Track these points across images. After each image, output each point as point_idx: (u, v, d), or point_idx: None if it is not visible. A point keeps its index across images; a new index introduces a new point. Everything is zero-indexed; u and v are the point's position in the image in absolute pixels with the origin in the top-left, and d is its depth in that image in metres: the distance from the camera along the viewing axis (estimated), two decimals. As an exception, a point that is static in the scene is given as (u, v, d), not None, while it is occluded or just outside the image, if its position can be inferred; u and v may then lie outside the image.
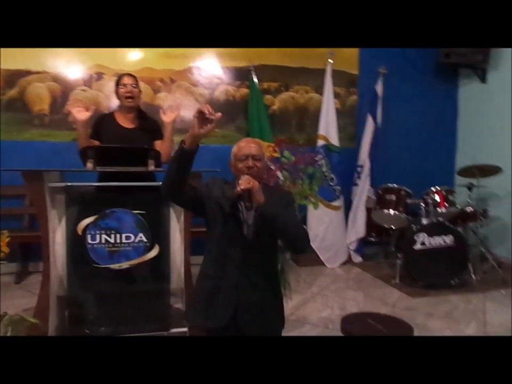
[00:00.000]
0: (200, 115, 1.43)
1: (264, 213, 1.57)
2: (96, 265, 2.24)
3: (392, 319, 2.06)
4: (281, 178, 2.49)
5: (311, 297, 3.19)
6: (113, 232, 2.25)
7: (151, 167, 2.38)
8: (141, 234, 2.29)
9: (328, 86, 4.01)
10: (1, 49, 3.50)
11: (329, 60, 4.03)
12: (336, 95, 4.28)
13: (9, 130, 3.65)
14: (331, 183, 3.98)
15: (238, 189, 1.53)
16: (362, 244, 4.19)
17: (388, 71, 4.25)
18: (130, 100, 2.60)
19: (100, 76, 3.76)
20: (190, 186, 1.62)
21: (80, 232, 2.22)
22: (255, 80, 3.95)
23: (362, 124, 4.25)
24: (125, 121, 2.64)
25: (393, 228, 3.83)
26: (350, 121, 4.37)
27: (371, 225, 4.05)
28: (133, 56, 3.84)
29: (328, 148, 3.99)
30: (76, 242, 2.22)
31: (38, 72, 3.66)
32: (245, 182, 1.53)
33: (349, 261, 4.12)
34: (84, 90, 3.73)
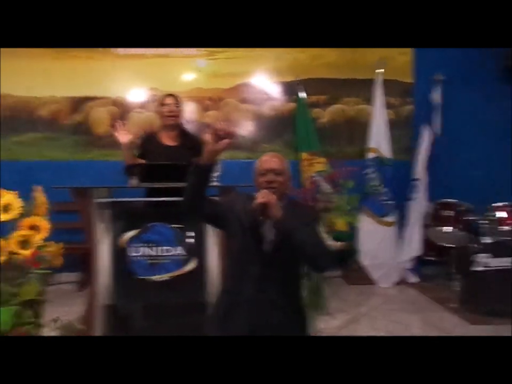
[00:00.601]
0: (214, 132, 1.46)
1: (280, 228, 1.54)
2: (137, 276, 2.34)
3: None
4: (326, 191, 2.43)
5: (357, 318, 3.04)
6: (153, 245, 2.35)
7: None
8: (179, 248, 2.36)
9: (378, 96, 3.88)
10: (65, 78, 3.87)
11: (379, 70, 3.91)
12: (390, 106, 4.13)
13: (76, 151, 3.99)
14: (383, 198, 3.81)
15: (255, 203, 1.53)
16: (420, 263, 3.93)
17: (446, 77, 4.01)
18: (172, 118, 2.72)
19: (154, 98, 3.99)
20: (210, 201, 1.65)
21: (123, 245, 2.35)
22: (302, 94, 3.95)
23: (418, 135, 4.04)
24: (168, 139, 2.77)
25: (451, 246, 3.55)
26: (405, 132, 4.18)
27: (429, 243, 3.79)
28: (184, 78, 4.03)
29: (379, 160, 3.84)
30: (119, 255, 2.35)
31: (100, 98, 3.98)
32: (260, 196, 1.52)
33: (404, 281, 3.88)
34: (139, 112, 3.99)
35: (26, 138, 3.95)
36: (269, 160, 1.67)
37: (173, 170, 2.49)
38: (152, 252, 2.34)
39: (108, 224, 2.36)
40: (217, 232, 2.42)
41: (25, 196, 2.21)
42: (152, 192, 2.58)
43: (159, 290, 2.35)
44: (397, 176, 3.94)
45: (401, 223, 3.93)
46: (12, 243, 1.91)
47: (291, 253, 1.57)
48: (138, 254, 2.34)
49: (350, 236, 3.91)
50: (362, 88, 4.11)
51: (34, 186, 2.05)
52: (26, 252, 1.92)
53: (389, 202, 3.83)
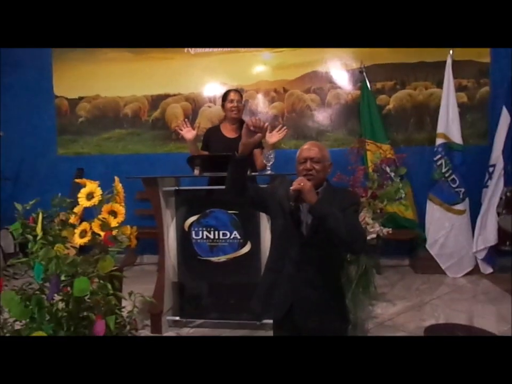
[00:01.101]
0: (247, 127, 1.61)
1: (314, 213, 1.64)
2: (199, 257, 2.60)
3: (484, 333, 1.86)
4: (369, 181, 2.45)
5: (418, 306, 3.00)
6: (212, 229, 2.58)
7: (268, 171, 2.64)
8: (235, 232, 2.56)
9: (448, 79, 3.68)
10: (144, 78, 4.28)
11: (450, 51, 3.70)
12: (463, 88, 3.91)
13: (154, 145, 4.42)
14: (452, 185, 3.64)
15: (291, 189, 1.65)
16: (495, 253, 3.69)
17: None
18: (235, 113, 2.93)
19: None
20: (253, 187, 1.80)
21: (186, 229, 2.62)
22: (367, 81, 3.90)
23: (497, 118, 3.75)
24: (229, 132, 3.00)
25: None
26: (481, 116, 3.92)
27: (505, 232, 3.55)
28: (250, 72, 4.22)
29: (449, 146, 3.67)
30: (183, 237, 2.62)
31: (174, 95, 4.34)
32: (296, 183, 1.64)
33: (477, 271, 3.69)
34: (209, 106, 4.27)
35: (113, 135, 4.47)
36: (308, 149, 1.78)
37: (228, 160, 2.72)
38: (211, 235, 2.58)
39: (174, 210, 2.65)
40: (269, 217, 2.58)
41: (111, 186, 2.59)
42: (213, 181, 2.83)
43: (218, 271, 2.59)
44: (472, 162, 3.74)
45: (475, 212, 3.73)
46: (94, 226, 2.27)
47: (326, 236, 1.67)
48: (199, 237, 2.59)
49: (416, 224, 3.84)
50: (431, 71, 3.93)
51: (115, 177, 2.40)
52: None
53: (459, 189, 3.65)
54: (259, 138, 1.64)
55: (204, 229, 2.59)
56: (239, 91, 3.06)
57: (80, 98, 4.50)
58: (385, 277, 3.73)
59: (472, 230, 3.69)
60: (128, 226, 2.44)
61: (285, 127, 2.87)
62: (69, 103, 4.52)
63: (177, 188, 2.64)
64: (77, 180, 2.30)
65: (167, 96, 4.35)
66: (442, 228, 3.67)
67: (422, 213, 3.81)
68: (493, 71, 3.85)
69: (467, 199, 3.68)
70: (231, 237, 2.57)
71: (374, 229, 2.23)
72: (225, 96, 3.02)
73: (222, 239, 2.58)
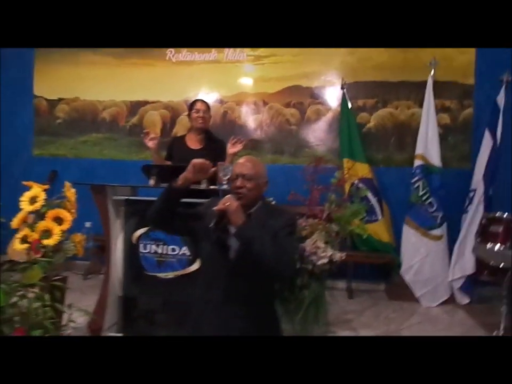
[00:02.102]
0: (194, 167, 1.57)
1: (238, 236, 1.52)
2: (146, 272, 2.47)
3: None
4: (327, 203, 2.31)
5: (383, 335, 2.83)
6: (161, 243, 2.46)
7: (203, 185, 2.52)
8: (184, 248, 2.43)
9: (428, 99, 3.56)
10: (125, 83, 4.21)
11: (431, 71, 3.59)
12: (446, 109, 3.79)
13: (130, 151, 4.32)
14: (429, 209, 3.50)
15: (214, 209, 1.53)
16: (472, 282, 3.52)
17: (512, 78, 3.54)
18: (200, 123, 2.84)
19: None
20: (178, 216, 1.68)
21: (134, 241, 2.49)
22: (347, 98, 3.79)
23: (480, 141, 3.62)
24: (193, 143, 2.90)
25: (499, 266, 3.11)
26: (464, 138, 3.79)
27: (483, 261, 3.38)
28: (231, 83, 4.12)
29: (427, 168, 3.53)
30: (131, 250, 2.50)
31: (153, 102, 4.26)
32: (221, 203, 1.52)
33: (453, 301, 3.51)
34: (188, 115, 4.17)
35: (90, 138, 4.38)
36: (241, 164, 1.66)
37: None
38: (159, 249, 2.46)
39: (123, 220, 2.53)
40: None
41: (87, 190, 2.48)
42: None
43: (165, 288, 2.45)
44: (453, 186, 3.60)
45: (454, 238, 3.57)
46: (35, 232, 2.15)
47: (253, 262, 1.53)
48: (147, 251, 2.47)
49: (392, 247, 3.69)
50: (414, 90, 3.82)
51: (65, 182, 2.29)
52: (49, 241, 2.14)
53: (437, 213, 3.50)
54: (201, 177, 1.64)
55: (153, 242, 2.47)
56: (205, 102, 2.98)
57: (60, 100, 4.43)
58: (358, 302, 3.58)
59: (449, 257, 3.52)
60: (78, 234, 2.33)
61: (242, 139, 2.77)
62: (48, 104, 4.46)
63: (127, 198, 2.53)
64: (24, 182, 2.20)
65: (146, 102, 4.27)
66: (418, 253, 3.51)
67: (400, 237, 3.66)
68: (477, 93, 3.73)
69: (445, 225, 3.52)
70: (180, 253, 2.44)
71: (326, 254, 2.09)
72: (191, 106, 2.95)
73: (170, 254, 2.45)
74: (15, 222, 2.10)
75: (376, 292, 3.83)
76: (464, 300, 3.50)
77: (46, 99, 4.46)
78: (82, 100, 4.39)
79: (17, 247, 2.10)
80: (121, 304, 2.55)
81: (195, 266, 2.43)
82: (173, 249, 2.44)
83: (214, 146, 2.87)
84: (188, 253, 2.42)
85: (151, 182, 2.62)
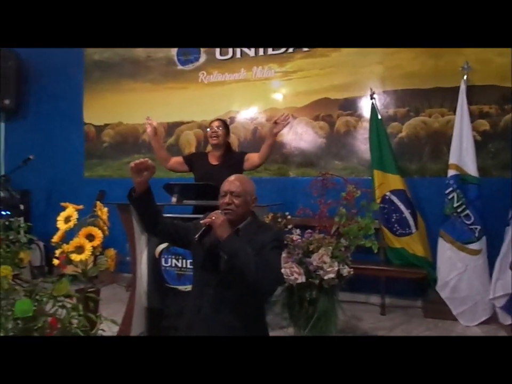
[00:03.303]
0: (132, 169, 1.64)
1: (223, 249, 1.57)
2: (167, 284, 2.60)
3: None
4: (337, 216, 2.29)
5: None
6: (180, 257, 2.58)
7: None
8: (201, 262, 2.53)
9: (461, 105, 3.40)
10: (161, 107, 4.47)
11: (464, 76, 3.43)
12: (485, 115, 3.58)
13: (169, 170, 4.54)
14: (466, 221, 3.30)
15: (200, 222, 1.61)
16: (518, 300, 3.25)
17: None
18: (214, 139, 2.96)
19: (232, 120, 4.29)
20: (171, 223, 1.77)
21: (157, 255, 2.64)
22: (376, 108, 3.73)
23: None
24: (213, 159, 3.03)
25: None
26: (504, 145, 3.54)
27: (529, 277, 3.12)
28: (260, 99, 4.23)
29: (462, 178, 3.35)
30: (154, 264, 2.64)
31: (188, 122, 4.47)
32: (208, 217, 1.59)
33: (495, 320, 3.26)
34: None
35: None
36: (230, 182, 1.73)
37: (206, 189, 2.71)
38: (179, 263, 2.57)
39: (146, 236, 2.69)
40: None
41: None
42: (196, 209, 2.84)
43: (184, 299, 2.55)
44: (493, 196, 3.38)
45: (494, 252, 3.33)
46: (69, 248, 2.36)
47: (239, 274, 1.59)
48: (168, 265, 2.60)
49: (427, 262, 3.52)
50: (448, 97, 3.65)
51: (97, 202, 2.50)
52: (80, 256, 2.34)
53: (475, 226, 3.29)
54: (148, 175, 1.68)
55: (173, 256, 2.60)
56: (222, 120, 3.13)
57: (105, 125, 4.81)
58: (390, 319, 3.45)
59: (490, 273, 3.29)
60: (111, 249, 2.52)
61: (288, 115, 2.92)
62: (95, 130, 4.85)
63: (149, 215, 2.68)
64: (62, 204, 2.44)
65: (181, 123, 4.49)
66: (454, 268, 3.32)
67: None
68: (519, 97, 3.49)
69: (484, 238, 3.30)
70: (198, 266, 2.53)
71: (333, 268, 2.07)
72: (209, 124, 3.09)
73: (189, 268, 2.56)
74: (54, 240, 2.33)
75: (412, 308, 3.66)
76: (507, 319, 3.23)
77: (93, 125, 4.86)
78: (125, 124, 4.72)
79: (54, 262, 2.32)
80: (147, 315, 2.69)
81: (212, 280, 2.51)
82: (191, 263, 2.54)
83: (231, 162, 2.95)
84: (205, 266, 2.51)
85: (173, 199, 2.77)
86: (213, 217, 1.57)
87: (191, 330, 1.69)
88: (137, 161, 1.66)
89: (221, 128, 2.98)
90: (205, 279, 1.69)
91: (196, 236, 1.58)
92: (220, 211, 1.64)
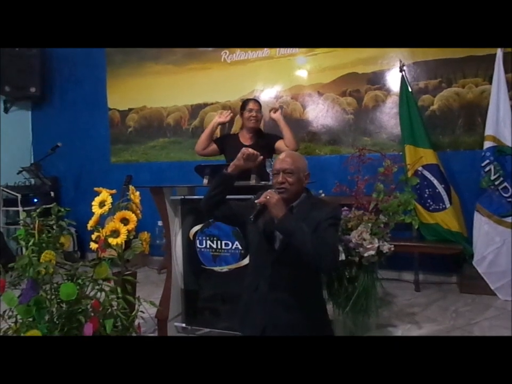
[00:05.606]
0: (245, 156, 1.70)
1: (279, 229, 1.56)
2: (203, 266, 2.61)
3: None
4: (375, 192, 2.24)
5: (447, 331, 2.67)
6: (215, 238, 2.58)
7: (253, 181, 2.60)
8: (236, 242, 2.52)
9: (498, 74, 3.25)
10: (185, 89, 4.43)
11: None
12: (522, 84, 3.42)
13: (194, 153, 4.50)
14: (504, 194, 3.20)
15: (255, 202, 1.59)
16: (560, 274, 3.16)
17: None
18: (254, 122, 2.93)
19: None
20: (227, 205, 1.77)
21: (191, 237, 2.65)
22: (406, 80, 3.60)
23: None
24: (245, 139, 3.00)
25: None
26: (543, 115, 3.38)
27: None
28: (285, 77, 4.14)
29: (499, 150, 3.23)
30: (189, 246, 2.66)
31: (212, 103, 4.43)
32: (263, 196, 1.58)
33: (535, 294, 3.18)
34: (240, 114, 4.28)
35: (158, 143, 4.69)
36: (281, 160, 1.71)
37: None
38: (214, 245, 2.58)
39: (180, 218, 2.70)
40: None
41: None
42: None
43: (221, 281, 2.57)
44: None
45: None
46: (105, 232, 2.40)
47: (296, 253, 1.57)
48: (203, 246, 2.60)
49: (463, 237, 3.45)
50: (483, 66, 3.50)
51: (130, 186, 2.52)
52: (117, 240, 2.38)
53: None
54: (251, 165, 1.76)
55: (207, 238, 2.60)
56: (258, 101, 3.07)
57: (130, 110, 4.81)
58: (425, 295, 3.41)
59: (529, 246, 3.20)
60: (145, 232, 2.55)
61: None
62: (120, 115, 4.86)
63: (182, 197, 2.69)
64: (95, 188, 2.46)
65: (205, 105, 4.46)
66: (492, 243, 3.24)
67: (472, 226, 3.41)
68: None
69: (523, 211, 3.20)
70: (233, 247, 2.53)
71: (373, 245, 2.03)
72: (244, 105, 3.02)
73: (224, 249, 2.56)
74: (89, 224, 2.36)
75: (447, 284, 3.61)
76: (548, 293, 3.16)
77: (118, 110, 4.87)
78: (149, 108, 4.72)
79: (92, 246, 2.36)
80: (183, 296, 2.72)
81: (247, 260, 2.51)
82: (226, 244, 2.55)
83: (263, 143, 2.92)
84: (240, 247, 2.51)
85: (205, 181, 2.75)
86: (268, 197, 1.55)
87: (249, 310, 1.70)
88: (251, 151, 1.73)
89: (258, 111, 2.95)
90: (261, 258, 1.69)
91: (251, 216, 1.57)
92: (273, 190, 1.63)
